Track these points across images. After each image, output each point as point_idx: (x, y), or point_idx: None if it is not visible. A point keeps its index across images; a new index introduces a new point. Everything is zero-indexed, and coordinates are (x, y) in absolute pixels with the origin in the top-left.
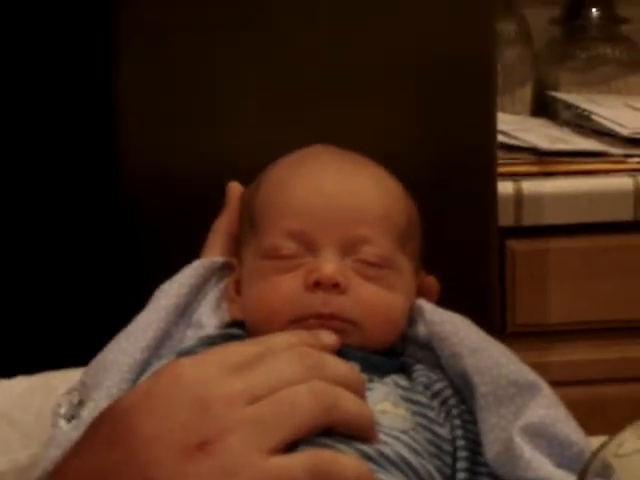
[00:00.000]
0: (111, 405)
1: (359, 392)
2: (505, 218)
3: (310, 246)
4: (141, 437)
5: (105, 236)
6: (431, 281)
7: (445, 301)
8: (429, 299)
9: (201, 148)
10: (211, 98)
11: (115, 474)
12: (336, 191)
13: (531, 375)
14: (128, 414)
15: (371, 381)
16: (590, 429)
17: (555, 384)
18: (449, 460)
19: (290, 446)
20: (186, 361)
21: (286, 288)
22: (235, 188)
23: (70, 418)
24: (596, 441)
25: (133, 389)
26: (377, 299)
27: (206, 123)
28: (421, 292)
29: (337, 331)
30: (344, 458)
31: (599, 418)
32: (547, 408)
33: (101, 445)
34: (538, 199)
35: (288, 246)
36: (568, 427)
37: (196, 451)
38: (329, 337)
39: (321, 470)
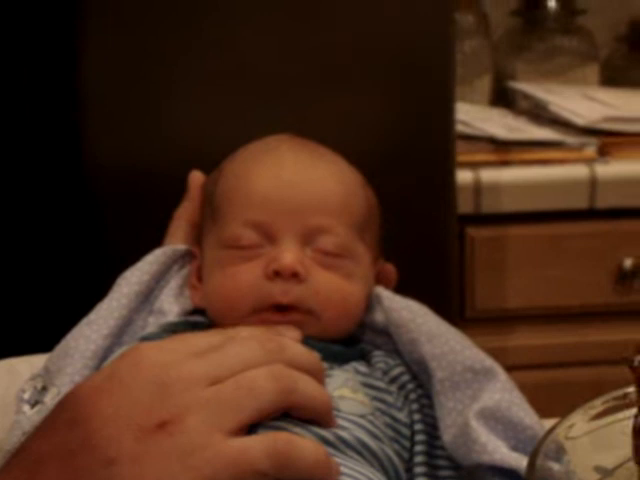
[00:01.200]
0: (73, 388)
1: (318, 377)
2: (464, 206)
3: (270, 236)
4: (101, 417)
5: (70, 225)
6: (389, 269)
7: (405, 287)
8: (387, 286)
9: (163, 138)
10: (174, 87)
11: (76, 453)
12: (295, 181)
13: (487, 361)
14: (89, 396)
15: (331, 369)
16: (549, 412)
17: (513, 368)
18: (407, 444)
19: (249, 430)
20: (147, 345)
21: (246, 277)
22: (197, 177)
23: (34, 404)
24: (552, 424)
25: (95, 373)
26: (336, 288)
27: (169, 112)
28: (379, 279)
29: (297, 323)
30: (302, 440)
31: (557, 401)
32: (502, 392)
33: (63, 426)
34: (496, 187)
35: (248, 236)
36: (523, 411)
37: (155, 431)
38: (291, 332)
39: (279, 452)
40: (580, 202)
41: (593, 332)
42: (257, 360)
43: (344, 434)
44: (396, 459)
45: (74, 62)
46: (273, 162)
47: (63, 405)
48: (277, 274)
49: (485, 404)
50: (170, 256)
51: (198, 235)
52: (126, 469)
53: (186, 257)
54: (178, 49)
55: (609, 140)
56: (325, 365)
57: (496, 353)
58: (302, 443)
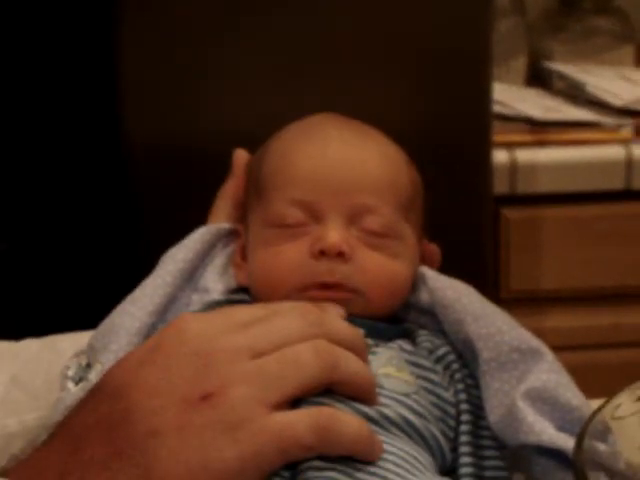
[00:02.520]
0: (118, 361)
1: (361, 354)
2: (500, 186)
3: (315, 215)
4: (145, 388)
5: (112, 204)
6: (433, 249)
7: (441, 268)
8: (431, 266)
9: (205, 116)
10: (213, 66)
11: (119, 425)
12: (341, 160)
13: (534, 341)
14: (132, 368)
15: (376, 346)
16: (584, 394)
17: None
18: (453, 423)
19: (292, 406)
20: (191, 317)
21: (291, 256)
22: (241, 155)
23: (78, 381)
24: (596, 405)
25: (139, 345)
26: (381, 268)
27: (209, 91)
28: (423, 259)
29: (342, 301)
30: (345, 416)
31: (592, 383)
32: (549, 373)
33: (106, 398)
34: (532, 168)
35: (293, 215)
36: (570, 392)
37: (199, 402)
38: (335, 309)
39: (323, 426)
40: (616, 183)
41: (628, 313)
42: (300, 334)
43: (388, 411)
44: (442, 438)
45: (112, 43)
46: (318, 140)
47: (106, 378)
48: (323, 253)
49: (532, 385)
50: (214, 234)
51: (242, 213)
52: (170, 440)
53: (230, 235)
54: (216, 28)
55: None
56: (370, 342)
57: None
58: (345, 418)
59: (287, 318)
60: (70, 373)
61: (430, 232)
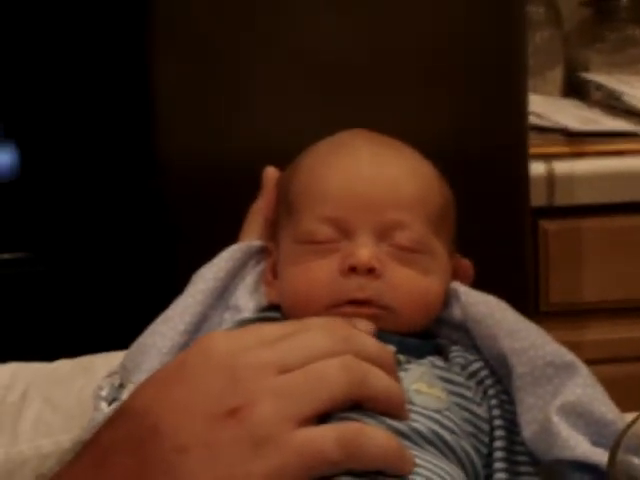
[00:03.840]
0: (146, 379)
1: (389, 369)
2: (537, 198)
3: (345, 231)
4: (172, 405)
5: (143, 222)
6: (465, 264)
7: (479, 282)
8: (463, 282)
9: (235, 134)
10: (245, 83)
11: (146, 441)
12: (371, 176)
13: (568, 355)
14: (160, 384)
15: (408, 362)
16: (625, 407)
17: (588, 362)
18: (486, 439)
19: (320, 421)
20: (218, 334)
21: (322, 273)
22: (271, 172)
23: (111, 401)
24: (631, 419)
25: (166, 363)
26: (413, 284)
27: (240, 108)
28: (456, 275)
29: (373, 317)
30: (373, 430)
31: (634, 396)
32: (584, 387)
33: (133, 414)
34: (570, 179)
35: (324, 231)
36: (605, 406)
37: (226, 418)
38: (365, 325)
39: (350, 441)
40: None
41: None
42: (327, 350)
43: (419, 426)
44: (474, 455)
45: (146, 58)
46: (348, 157)
47: (134, 396)
48: (353, 270)
49: (566, 399)
50: (245, 252)
51: (273, 231)
52: (197, 456)
53: (262, 253)
54: (249, 44)
55: None
56: (401, 358)
57: (571, 347)
58: (373, 433)
59: (315, 334)
60: (103, 393)
61: (468, 245)
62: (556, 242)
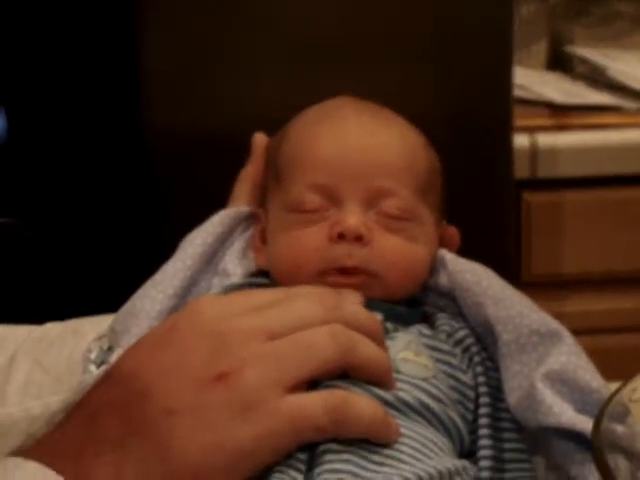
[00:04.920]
0: (135, 342)
1: (378, 339)
2: (521, 171)
3: (334, 199)
4: (161, 368)
5: (133, 189)
6: (452, 231)
7: (462, 252)
8: (450, 249)
9: (224, 100)
10: (232, 51)
11: (134, 404)
12: (358, 144)
13: (553, 324)
14: (150, 348)
15: (395, 330)
16: (605, 377)
17: (570, 333)
18: (472, 406)
19: (308, 388)
20: (207, 298)
21: (310, 240)
22: (260, 138)
23: (100, 364)
24: (615, 388)
25: (156, 326)
26: (400, 251)
27: (227, 76)
28: (442, 242)
29: (361, 286)
30: (359, 398)
31: (614, 367)
32: (569, 355)
33: (122, 377)
34: (553, 152)
35: (312, 199)
36: (589, 374)
37: (214, 382)
38: (353, 295)
39: (336, 408)
40: (637, 167)
41: None
42: (316, 318)
43: (405, 396)
44: (460, 422)
45: (132, 28)
46: (336, 125)
47: (123, 359)
48: (341, 237)
49: (551, 367)
50: (234, 218)
51: (262, 197)
52: (185, 419)
53: (250, 219)
54: (234, 14)
55: None
56: (389, 326)
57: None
58: (359, 400)
59: (304, 302)
60: (92, 356)
61: (451, 216)
62: (539, 214)
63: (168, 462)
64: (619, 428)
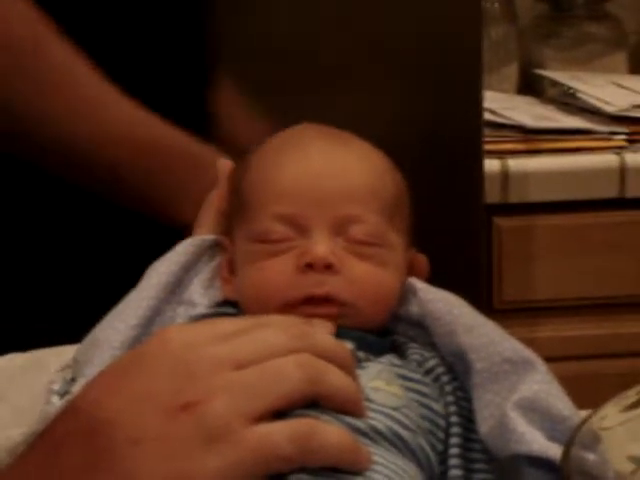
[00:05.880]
0: (100, 371)
1: (346, 367)
2: (492, 195)
3: (300, 228)
4: (126, 397)
5: (94, 218)
6: (421, 259)
7: (432, 278)
8: (419, 277)
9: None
10: None
11: (99, 432)
12: (322, 171)
13: (525, 352)
14: (115, 377)
15: (367, 360)
16: (577, 404)
17: (542, 359)
18: (442, 436)
19: (277, 419)
20: (174, 327)
21: (278, 271)
22: (224, 164)
23: (63, 394)
24: (585, 415)
25: (122, 355)
26: (370, 277)
27: None
28: (411, 270)
29: (331, 316)
30: (327, 426)
31: (586, 393)
32: (541, 384)
33: (87, 406)
34: (524, 176)
35: (277, 230)
36: (561, 402)
37: (179, 413)
38: (323, 325)
39: (303, 437)
40: (609, 191)
41: (623, 324)
42: (283, 347)
43: (377, 424)
44: (430, 451)
45: None
46: (298, 152)
47: (88, 388)
48: (309, 267)
49: (523, 394)
50: (199, 246)
51: (228, 224)
52: (150, 449)
53: (215, 247)
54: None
55: (639, 128)
56: (361, 355)
57: (524, 344)
58: (326, 428)
59: (271, 331)
60: (55, 387)
61: (421, 241)
62: (510, 239)
63: None
64: (590, 456)
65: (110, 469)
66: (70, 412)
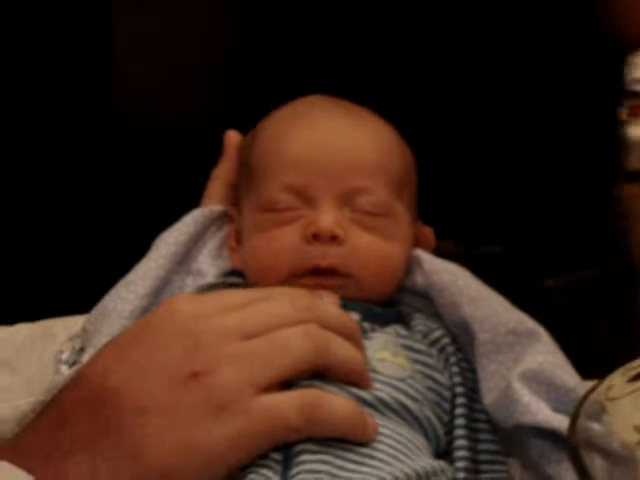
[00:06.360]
0: (108, 341)
1: (353, 338)
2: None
3: (308, 199)
4: (133, 367)
5: (105, 188)
6: (427, 231)
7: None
8: (425, 249)
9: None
10: None
11: (107, 402)
12: (331, 143)
13: (530, 323)
14: (123, 347)
15: (372, 330)
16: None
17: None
18: (448, 407)
19: (283, 389)
20: (182, 298)
21: (284, 241)
22: (233, 137)
23: (72, 364)
24: (591, 385)
25: (130, 325)
26: (376, 249)
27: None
28: (417, 242)
29: (336, 287)
30: (333, 397)
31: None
32: (545, 355)
33: (95, 376)
34: None
35: (285, 199)
36: (566, 373)
37: (187, 381)
38: (329, 296)
39: (309, 407)
40: None
41: None
42: (291, 318)
43: (383, 395)
44: (436, 422)
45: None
46: (307, 124)
47: (96, 358)
48: (316, 237)
49: (528, 366)
50: (208, 217)
51: (235, 196)
52: (157, 418)
53: (224, 218)
54: None
55: None
56: (366, 326)
57: None
58: (333, 399)
59: (279, 302)
60: (64, 357)
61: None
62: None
63: (140, 462)
64: (595, 426)
65: (117, 438)
66: (78, 382)
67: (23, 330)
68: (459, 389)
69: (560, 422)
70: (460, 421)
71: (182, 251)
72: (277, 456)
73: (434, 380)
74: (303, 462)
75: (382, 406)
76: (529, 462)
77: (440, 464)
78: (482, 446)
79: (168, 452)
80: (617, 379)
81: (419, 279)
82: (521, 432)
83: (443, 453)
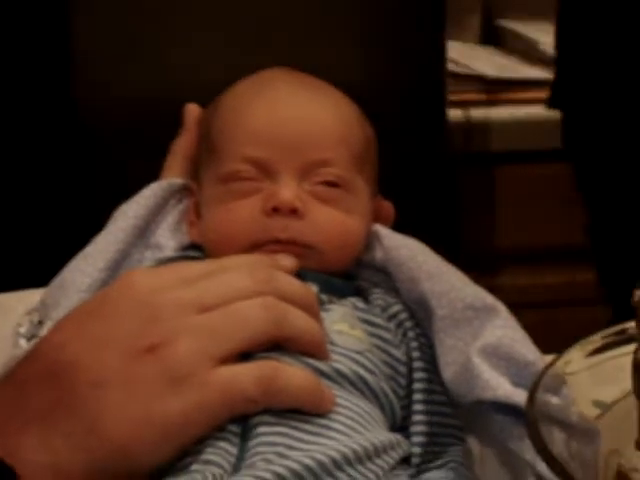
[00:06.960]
0: (65, 314)
1: (311, 310)
2: (454, 145)
3: (268, 172)
4: (90, 340)
5: (64, 159)
6: (387, 206)
7: (396, 227)
8: (385, 224)
9: (158, 69)
10: (170, 18)
11: (63, 374)
12: (292, 116)
13: (488, 298)
14: (80, 320)
15: (330, 302)
16: (541, 351)
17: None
18: (403, 382)
19: (241, 361)
20: (139, 271)
21: (244, 213)
22: (193, 110)
23: (30, 337)
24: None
25: (88, 298)
26: (335, 222)
27: (164, 44)
28: (377, 217)
29: (296, 257)
30: (290, 368)
31: (548, 340)
32: (504, 329)
33: (52, 348)
34: (486, 126)
35: (246, 171)
36: (525, 347)
37: (144, 354)
38: (287, 260)
39: (267, 378)
40: None
41: (583, 271)
42: (248, 290)
43: (340, 367)
44: (392, 396)
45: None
46: (269, 96)
47: (53, 330)
48: (276, 210)
49: (487, 341)
50: (167, 190)
51: (195, 170)
52: (113, 392)
53: (183, 191)
54: None
55: None
56: (324, 298)
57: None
58: (290, 370)
59: (236, 274)
60: (22, 330)
61: (385, 191)
62: (471, 188)
63: (96, 435)
64: (554, 400)
65: (73, 411)
66: (34, 355)
67: None
68: (417, 364)
69: (520, 397)
70: (418, 396)
71: (141, 224)
72: (235, 428)
73: (390, 354)
74: (261, 434)
75: (339, 378)
76: (489, 437)
77: (397, 437)
78: (440, 420)
79: (124, 425)
80: (575, 353)
81: (378, 254)
82: (481, 407)
83: (400, 427)
